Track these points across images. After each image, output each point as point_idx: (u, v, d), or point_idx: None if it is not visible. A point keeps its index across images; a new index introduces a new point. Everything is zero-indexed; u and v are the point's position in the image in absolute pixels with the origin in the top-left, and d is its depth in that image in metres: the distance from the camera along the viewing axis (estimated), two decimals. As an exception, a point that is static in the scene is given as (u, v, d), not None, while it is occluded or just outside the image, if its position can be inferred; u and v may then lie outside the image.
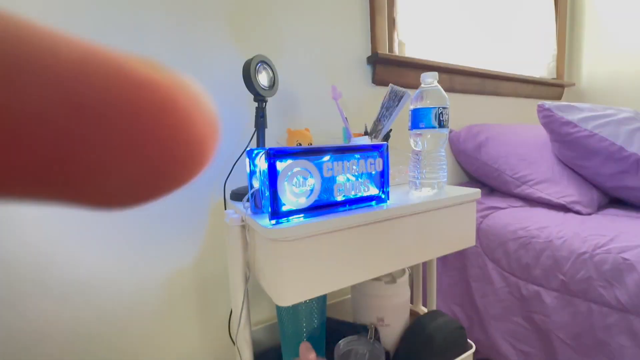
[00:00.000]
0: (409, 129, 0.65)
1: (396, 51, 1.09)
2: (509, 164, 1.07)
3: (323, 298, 0.67)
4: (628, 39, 1.50)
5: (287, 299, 0.45)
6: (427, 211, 0.57)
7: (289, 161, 0.44)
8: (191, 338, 0.77)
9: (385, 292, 0.70)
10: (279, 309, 0.66)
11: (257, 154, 0.49)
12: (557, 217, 0.89)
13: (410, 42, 1.11)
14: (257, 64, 0.64)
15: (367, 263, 0.51)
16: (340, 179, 0.50)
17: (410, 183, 0.66)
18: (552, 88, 1.61)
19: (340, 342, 0.66)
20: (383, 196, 0.55)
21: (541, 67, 1.61)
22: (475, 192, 0.64)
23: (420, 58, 1.05)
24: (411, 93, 0.72)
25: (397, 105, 0.82)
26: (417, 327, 0.69)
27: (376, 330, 0.68)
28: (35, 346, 0.61)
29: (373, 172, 0.53)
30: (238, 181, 0.77)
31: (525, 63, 1.53)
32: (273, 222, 0.44)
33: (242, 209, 0.54)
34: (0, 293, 0.58)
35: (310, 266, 0.46)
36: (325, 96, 0.90)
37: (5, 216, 0.57)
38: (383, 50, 1.00)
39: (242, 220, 0.53)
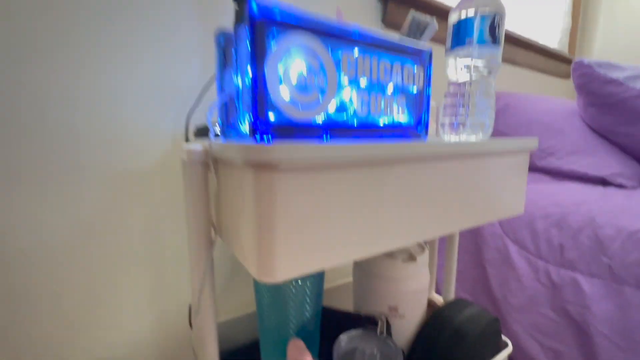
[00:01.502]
0: (448, 51, 0.47)
1: (410, -9, 0.90)
2: (532, 133, 0.93)
3: (320, 277, 0.49)
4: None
5: (276, 272, 0.26)
6: (476, 156, 0.40)
7: (287, 36, 0.26)
8: (142, 326, 0.57)
9: (400, 274, 0.53)
10: (258, 290, 0.47)
11: (230, 35, 0.30)
12: (595, 192, 0.75)
13: (426, -16, 0.93)
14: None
15: (395, 224, 0.33)
16: (364, 88, 0.32)
17: (442, 127, 0.49)
18: (563, 65, 1.49)
19: (340, 337, 0.48)
20: (419, 129, 0.38)
21: (553, 42, 1.48)
22: (531, 140, 0.48)
23: (442, 2, 0.87)
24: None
25: (419, 38, 0.64)
26: (441, 319, 0.52)
27: (388, 323, 0.51)
28: None
29: (409, 92, 0.36)
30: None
31: (538, 35, 1.39)
32: (258, 136, 0.26)
33: (208, 145, 0.34)
34: None
35: (316, 220, 0.27)
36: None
37: None
38: (397, -16, 0.82)
39: (206, 153, 0.34)
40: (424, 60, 0.36)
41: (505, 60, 1.22)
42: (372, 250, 0.32)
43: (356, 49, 0.30)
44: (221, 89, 0.31)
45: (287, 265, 0.27)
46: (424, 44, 0.38)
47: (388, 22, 0.83)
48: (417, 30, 0.65)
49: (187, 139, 0.44)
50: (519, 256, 0.77)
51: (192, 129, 0.51)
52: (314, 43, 0.27)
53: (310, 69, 0.27)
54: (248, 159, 0.24)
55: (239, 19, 0.47)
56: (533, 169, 0.92)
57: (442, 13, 0.90)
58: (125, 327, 0.56)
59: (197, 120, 0.54)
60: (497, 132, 0.97)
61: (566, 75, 1.55)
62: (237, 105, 0.30)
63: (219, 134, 0.32)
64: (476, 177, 0.42)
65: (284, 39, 0.25)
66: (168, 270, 0.58)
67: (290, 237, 0.26)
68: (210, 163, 0.34)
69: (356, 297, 0.58)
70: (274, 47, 0.25)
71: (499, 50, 0.45)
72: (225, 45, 0.31)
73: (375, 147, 0.29)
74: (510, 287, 0.78)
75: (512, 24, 1.28)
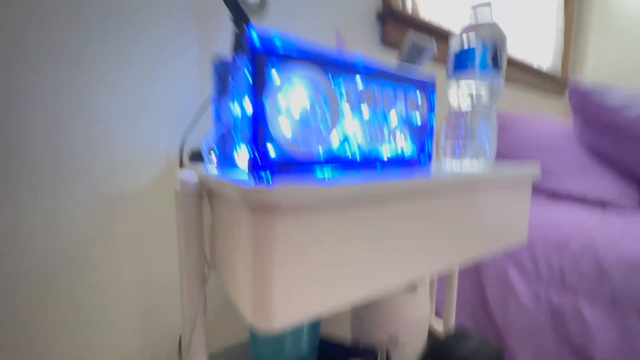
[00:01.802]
0: (450, 76, 0.47)
1: (409, 11, 0.91)
2: (529, 154, 0.93)
3: (319, 310, 0.47)
4: (634, 34, 1.42)
5: (273, 319, 0.24)
6: (479, 188, 0.39)
7: (289, 70, 0.24)
8: (129, 353, 0.54)
9: (401, 302, 0.51)
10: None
11: (230, 65, 0.29)
12: (594, 215, 0.74)
13: (424, 5, 0.94)
14: (239, -34, 0.43)
15: (397, 261, 0.32)
16: (366, 120, 0.31)
17: (444, 151, 0.48)
18: (557, 84, 1.51)
19: (338, 372, 0.46)
20: (422, 159, 0.37)
21: (546, 61, 1.50)
22: (534, 167, 0.47)
23: (439, 24, 0.88)
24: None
25: (418, 60, 0.64)
26: (442, 351, 0.50)
27: (388, 354, 0.49)
28: None
29: (413, 122, 0.35)
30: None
31: (532, 54, 1.41)
32: (257, 174, 0.24)
33: (204, 172, 0.33)
34: None
35: (316, 262, 0.26)
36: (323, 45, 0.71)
37: None
38: (396, 5, 0.82)
39: (201, 184, 0.32)
40: (427, 89, 0.35)
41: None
42: (375, 290, 0.30)
43: (359, 80, 0.29)
44: (218, 117, 0.30)
45: (286, 311, 0.25)
46: (428, 74, 0.37)
47: (387, 41, 0.83)
48: (416, 53, 0.65)
49: (181, 164, 0.43)
50: (519, 279, 0.76)
51: (186, 152, 0.50)
52: (316, 75, 0.26)
53: (312, 102, 0.26)
54: (247, 201, 0.23)
55: (237, 42, 0.46)
56: (531, 189, 0.92)
57: (440, 34, 0.91)
58: (113, 354, 0.52)
59: (193, 143, 0.53)
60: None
61: (560, 93, 1.58)
62: (234, 135, 0.29)
63: (215, 163, 0.30)
64: (479, 209, 0.40)
65: (286, 71, 0.24)
66: (158, 298, 0.56)
67: (289, 282, 0.25)
68: (205, 195, 0.32)
69: (354, 325, 0.56)
70: (275, 79, 0.24)
71: (501, 77, 0.44)
72: (223, 73, 0.30)
73: (378, 185, 0.28)
74: (510, 310, 0.76)
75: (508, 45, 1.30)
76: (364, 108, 0.30)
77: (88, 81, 0.47)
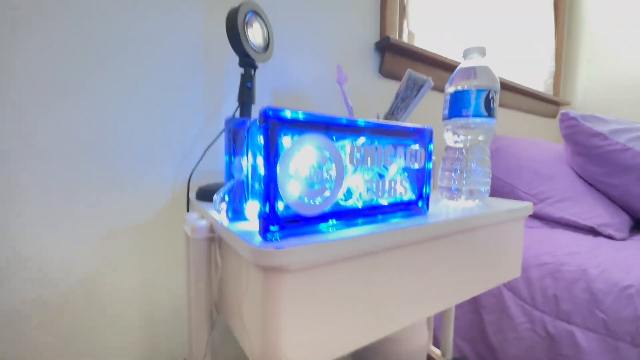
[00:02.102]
0: (445, 118, 0.49)
1: (406, 41, 0.95)
2: (523, 178, 0.95)
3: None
4: (623, 60, 1.47)
5: (282, 370, 0.26)
6: (476, 229, 0.41)
7: (298, 137, 0.26)
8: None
9: (400, 335, 0.52)
10: None
11: (242, 123, 0.31)
12: (586, 242, 0.76)
13: (420, 35, 0.98)
14: (247, 14, 0.46)
15: (398, 306, 0.33)
16: (369, 174, 0.33)
17: (441, 189, 0.50)
18: (549, 105, 1.56)
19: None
20: (421, 204, 0.39)
21: (539, 83, 1.55)
22: (526, 206, 0.49)
23: (435, 52, 0.91)
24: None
25: (415, 96, 0.67)
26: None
27: (387, 387, 0.50)
28: None
29: (412, 169, 0.37)
30: (211, 176, 0.57)
31: (526, 77, 1.46)
32: (267, 234, 0.26)
33: (212, 213, 0.35)
34: None
35: (322, 313, 0.27)
36: (324, 79, 0.74)
37: None
38: (393, 36, 0.86)
39: (212, 231, 0.34)
40: (425, 138, 0.37)
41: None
42: (378, 335, 0.32)
43: (362, 138, 0.31)
44: (229, 169, 0.32)
45: (293, 358, 0.26)
46: (423, 126, 0.39)
47: (385, 72, 0.86)
48: (413, 87, 0.68)
49: (188, 209, 0.44)
50: (514, 304, 0.78)
51: (188, 187, 0.51)
52: (323, 141, 0.28)
53: (319, 165, 0.28)
54: (258, 263, 0.24)
55: (244, 83, 0.48)
56: (525, 213, 0.94)
57: (436, 62, 0.95)
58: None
59: (198, 180, 0.55)
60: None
61: (553, 115, 1.62)
62: (245, 189, 0.31)
63: (225, 212, 0.32)
64: (475, 248, 0.42)
65: (296, 140, 0.26)
66: (163, 331, 0.56)
67: (297, 333, 0.26)
68: (216, 242, 0.34)
69: (353, 357, 0.57)
70: (284, 145, 0.26)
71: (494, 122, 0.47)
72: (234, 129, 0.32)
73: (379, 237, 0.30)
74: (506, 336, 0.77)
75: (502, 68, 1.34)
76: (367, 164, 0.32)
77: (97, 113, 0.49)
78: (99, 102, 0.49)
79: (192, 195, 0.49)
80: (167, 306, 0.56)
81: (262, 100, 0.65)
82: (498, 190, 1.00)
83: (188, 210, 0.49)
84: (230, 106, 0.61)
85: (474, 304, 0.85)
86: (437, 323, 0.86)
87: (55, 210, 0.47)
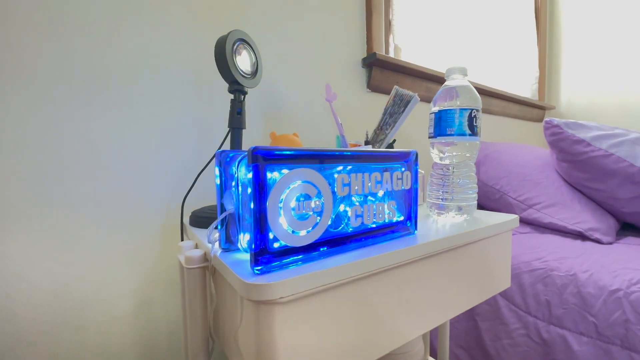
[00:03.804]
0: (431, 137, 0.51)
1: (392, 56, 0.97)
2: (512, 184, 0.98)
3: None
4: (603, 65, 1.52)
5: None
6: (464, 245, 0.43)
7: (285, 170, 0.28)
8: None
9: (396, 350, 0.53)
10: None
11: (232, 158, 0.32)
12: (575, 246, 0.78)
13: (406, 48, 1.01)
14: (235, 42, 0.47)
15: (391, 326, 0.34)
16: (357, 200, 0.34)
17: (430, 205, 0.52)
18: (535, 110, 1.60)
19: None
20: (409, 224, 0.40)
21: (525, 89, 1.59)
22: (513, 219, 0.51)
23: (422, 65, 0.94)
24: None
25: (402, 112, 0.69)
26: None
27: (385, 403, 0.51)
28: None
29: (399, 191, 0.38)
30: (203, 199, 0.58)
31: (511, 84, 1.50)
32: (258, 268, 0.27)
33: (206, 241, 0.35)
34: None
35: (315, 339, 0.28)
36: (314, 97, 0.75)
37: None
38: (379, 51, 0.88)
39: (206, 260, 0.35)
40: (411, 161, 0.39)
41: (482, 110, 1.29)
42: (375, 355, 0.32)
43: (349, 167, 0.32)
44: (221, 201, 0.33)
45: (288, 391, 0.27)
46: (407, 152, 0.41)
47: (373, 86, 0.88)
48: (400, 103, 0.70)
49: (182, 236, 0.45)
50: (508, 311, 0.79)
51: (179, 211, 0.52)
52: (310, 174, 0.29)
53: (307, 196, 0.29)
54: (249, 297, 0.25)
55: (233, 107, 0.50)
56: (515, 219, 0.96)
57: (422, 75, 0.97)
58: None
59: (191, 204, 0.55)
60: (478, 183, 1.02)
61: (539, 120, 1.66)
62: (237, 222, 0.31)
63: (218, 242, 0.33)
64: (465, 264, 0.43)
65: (284, 175, 0.27)
66: (159, 355, 0.56)
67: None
68: (210, 272, 0.34)
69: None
70: (274, 180, 0.27)
71: (478, 139, 0.49)
72: (225, 163, 0.33)
73: (368, 262, 0.31)
74: (502, 342, 0.78)
75: (489, 76, 1.37)
76: (354, 192, 0.33)
77: (91, 136, 0.50)
78: (92, 128, 0.50)
79: (187, 219, 0.50)
80: (163, 331, 0.56)
81: (254, 121, 0.66)
82: (488, 197, 1.02)
83: (182, 237, 0.50)
84: (221, 129, 0.62)
85: (469, 311, 0.86)
86: (434, 332, 0.86)
87: (50, 237, 0.47)
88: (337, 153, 0.31)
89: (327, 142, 0.78)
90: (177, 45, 0.57)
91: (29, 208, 0.45)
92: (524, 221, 0.94)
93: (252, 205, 0.26)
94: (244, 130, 0.51)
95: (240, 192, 0.30)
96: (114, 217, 0.52)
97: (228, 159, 0.32)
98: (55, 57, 0.47)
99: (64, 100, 0.48)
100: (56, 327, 0.48)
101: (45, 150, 0.46)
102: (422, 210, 0.57)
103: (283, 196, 0.27)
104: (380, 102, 0.90)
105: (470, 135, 0.48)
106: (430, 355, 0.77)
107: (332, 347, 0.29)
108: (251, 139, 0.65)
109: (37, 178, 0.46)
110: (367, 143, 0.69)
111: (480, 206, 1.08)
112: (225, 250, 0.33)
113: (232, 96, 0.50)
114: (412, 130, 0.97)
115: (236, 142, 0.49)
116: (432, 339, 0.87)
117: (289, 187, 0.27)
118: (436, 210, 0.50)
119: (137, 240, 0.53)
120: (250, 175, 0.26)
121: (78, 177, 0.49)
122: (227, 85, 0.49)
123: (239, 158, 0.30)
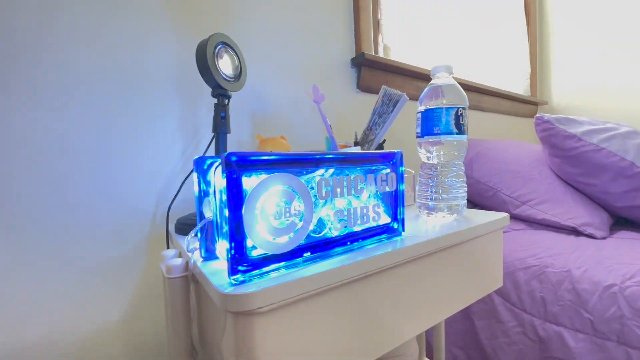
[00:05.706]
0: (418, 136, 0.50)
1: (381, 55, 0.97)
2: (505, 181, 0.97)
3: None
4: (595, 59, 1.52)
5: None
6: (454, 245, 0.42)
7: (263, 175, 0.27)
8: None
9: (389, 353, 0.52)
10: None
11: (210, 165, 0.31)
12: (568, 242, 0.78)
13: (395, 48, 1.00)
14: (216, 46, 0.47)
15: (383, 328, 0.33)
16: (340, 203, 0.33)
17: (419, 205, 0.51)
18: (528, 106, 1.60)
19: None
20: (396, 226, 0.39)
21: (517, 85, 1.59)
22: (503, 217, 0.50)
23: (411, 64, 0.93)
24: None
25: (391, 111, 0.68)
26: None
27: (379, 408, 0.50)
28: None
29: (384, 192, 0.37)
30: (191, 205, 0.57)
31: (503, 80, 1.50)
32: (236, 277, 0.26)
33: (187, 249, 0.34)
34: None
35: (309, 349, 0.27)
36: (303, 99, 0.74)
37: None
38: (368, 51, 0.87)
39: (187, 269, 0.34)
40: (395, 161, 0.38)
41: (473, 107, 1.29)
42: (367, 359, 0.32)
43: (330, 170, 0.32)
44: (200, 209, 0.32)
45: (271, 404, 0.26)
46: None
47: (363, 86, 0.88)
48: (389, 103, 0.69)
49: (167, 243, 0.44)
50: (504, 309, 0.78)
51: (165, 219, 0.51)
52: (288, 178, 0.28)
53: (287, 202, 0.28)
54: (227, 308, 0.24)
55: (217, 112, 0.49)
56: (509, 216, 0.95)
57: (411, 74, 0.96)
58: None
59: (178, 205, 0.54)
60: (471, 181, 1.01)
61: (532, 115, 1.66)
62: (215, 230, 0.31)
63: (198, 250, 0.32)
64: (456, 264, 0.43)
65: (261, 181, 0.26)
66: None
67: (273, 375, 0.26)
68: (190, 281, 0.34)
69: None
70: (251, 187, 0.26)
71: (465, 138, 0.48)
72: (203, 170, 0.32)
73: (355, 266, 0.30)
74: (499, 341, 0.78)
75: (481, 73, 1.37)
76: (337, 195, 0.32)
77: (75, 148, 0.49)
78: (71, 136, 0.49)
79: (172, 227, 0.49)
80: (150, 342, 0.55)
81: (240, 125, 0.65)
82: (481, 194, 1.02)
83: (167, 245, 0.49)
84: (207, 134, 0.61)
85: (465, 310, 0.85)
86: (430, 332, 0.86)
87: (36, 246, 0.46)
88: (317, 157, 0.30)
89: (316, 144, 0.77)
90: (160, 49, 0.56)
91: (9, 219, 0.44)
92: (517, 218, 0.94)
93: (226, 213, 0.25)
94: (232, 135, 0.50)
95: (217, 199, 0.29)
96: (99, 227, 0.50)
97: (205, 166, 0.31)
98: (30, 59, 0.46)
99: (38, 106, 0.47)
100: (40, 340, 0.47)
101: (25, 159, 0.45)
102: (412, 211, 0.56)
103: (260, 203, 0.26)
104: (370, 103, 0.90)
105: (457, 133, 0.47)
106: (427, 356, 0.76)
107: (321, 353, 0.29)
108: (237, 141, 0.64)
109: (18, 190, 0.45)
110: (356, 144, 0.68)
111: (474, 204, 1.07)
112: (206, 259, 0.32)
113: (215, 101, 0.49)
114: (403, 129, 0.97)
115: (221, 147, 0.49)
116: (429, 339, 0.86)
117: (266, 192, 0.27)
118: (425, 211, 0.50)
119: (123, 250, 0.52)
120: (224, 182, 0.25)
121: (60, 187, 0.48)
122: (208, 90, 0.48)
123: (216, 164, 0.29)
